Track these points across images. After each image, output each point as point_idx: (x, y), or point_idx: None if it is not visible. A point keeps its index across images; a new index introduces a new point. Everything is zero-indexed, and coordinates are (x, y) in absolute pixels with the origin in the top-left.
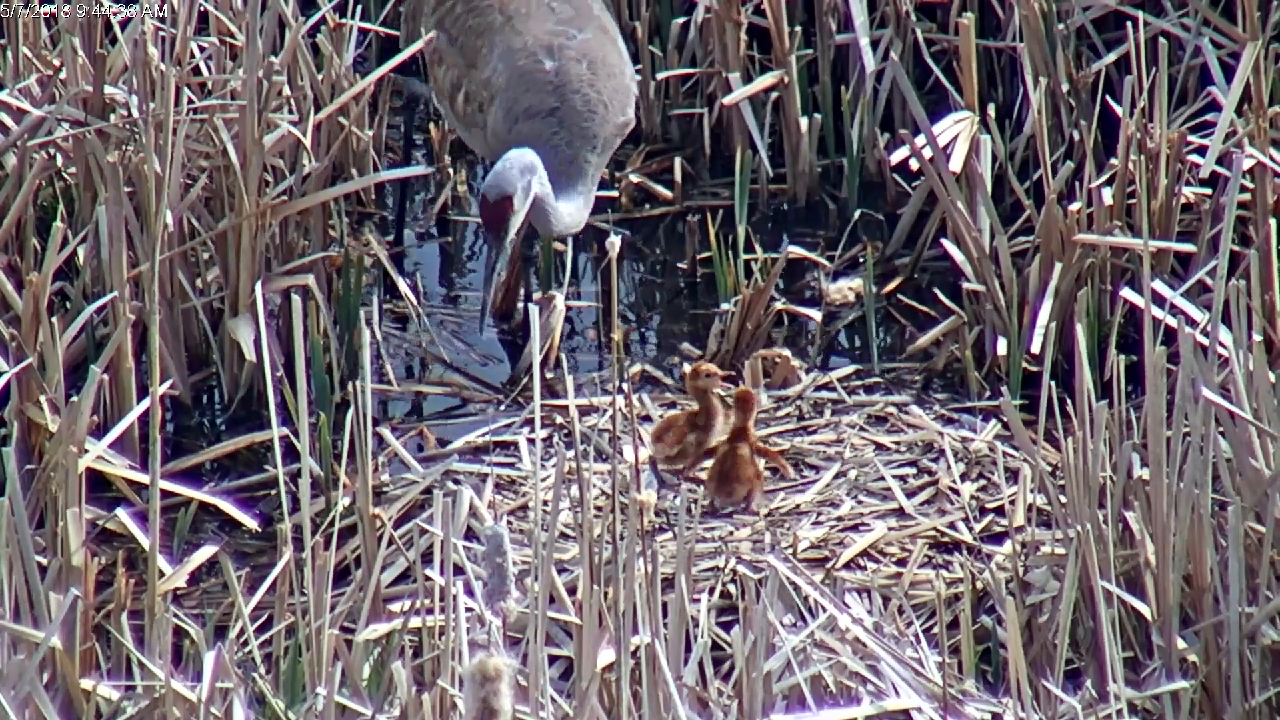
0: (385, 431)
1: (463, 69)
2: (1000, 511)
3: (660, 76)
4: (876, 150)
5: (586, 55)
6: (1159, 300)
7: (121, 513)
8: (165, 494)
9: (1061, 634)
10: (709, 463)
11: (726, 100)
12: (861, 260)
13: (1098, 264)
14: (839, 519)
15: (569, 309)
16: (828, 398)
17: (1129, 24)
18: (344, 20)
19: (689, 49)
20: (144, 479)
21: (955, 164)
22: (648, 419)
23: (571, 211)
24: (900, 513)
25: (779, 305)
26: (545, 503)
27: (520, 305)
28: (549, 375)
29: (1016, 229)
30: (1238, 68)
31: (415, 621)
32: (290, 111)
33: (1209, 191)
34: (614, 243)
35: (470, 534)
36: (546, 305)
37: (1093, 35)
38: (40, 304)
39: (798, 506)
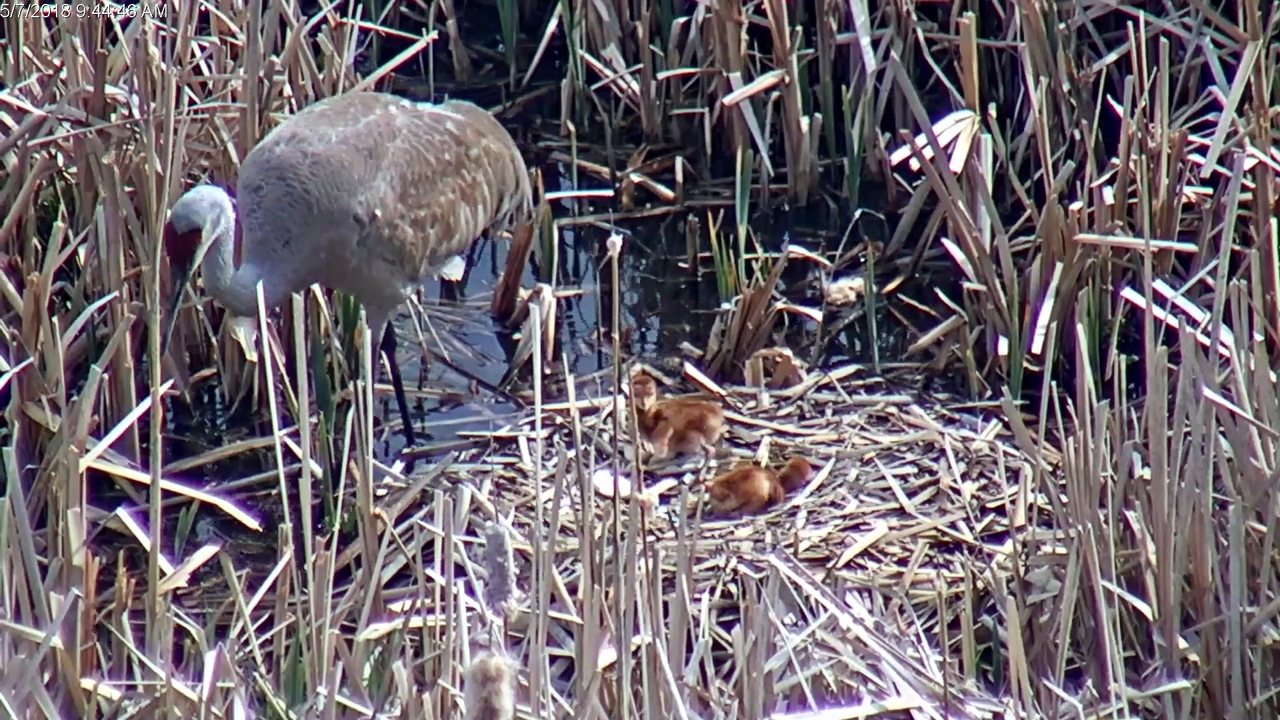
0: (386, 431)
1: None
2: (1001, 511)
3: (661, 76)
4: (877, 150)
5: (319, 157)
6: (1160, 300)
7: (122, 512)
8: (166, 494)
9: (1062, 633)
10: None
11: (727, 100)
12: (862, 260)
13: (1099, 264)
14: (840, 519)
15: (565, 301)
16: (829, 398)
17: (1130, 23)
18: (345, 20)
19: (690, 49)
20: (145, 479)
21: (956, 163)
22: None
23: (245, 283)
24: (901, 512)
25: (780, 305)
26: (546, 502)
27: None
28: (547, 371)
29: (1017, 229)
30: (1238, 67)
31: (416, 621)
32: (290, 111)
33: (1210, 191)
34: (615, 242)
35: (472, 531)
36: (535, 298)
37: (1093, 35)
38: (41, 304)
39: (797, 507)
